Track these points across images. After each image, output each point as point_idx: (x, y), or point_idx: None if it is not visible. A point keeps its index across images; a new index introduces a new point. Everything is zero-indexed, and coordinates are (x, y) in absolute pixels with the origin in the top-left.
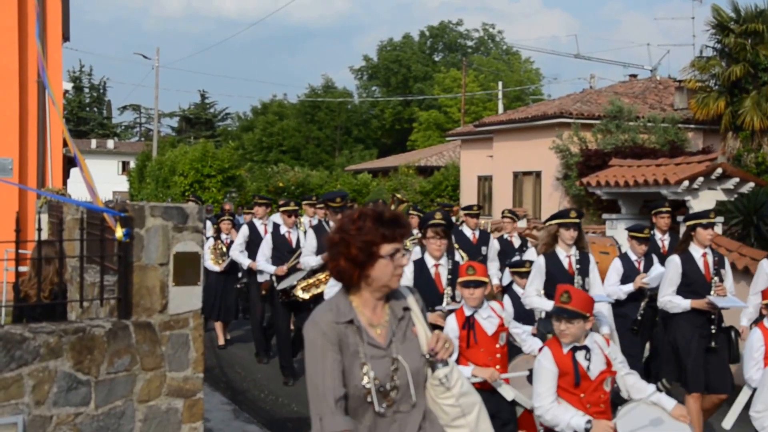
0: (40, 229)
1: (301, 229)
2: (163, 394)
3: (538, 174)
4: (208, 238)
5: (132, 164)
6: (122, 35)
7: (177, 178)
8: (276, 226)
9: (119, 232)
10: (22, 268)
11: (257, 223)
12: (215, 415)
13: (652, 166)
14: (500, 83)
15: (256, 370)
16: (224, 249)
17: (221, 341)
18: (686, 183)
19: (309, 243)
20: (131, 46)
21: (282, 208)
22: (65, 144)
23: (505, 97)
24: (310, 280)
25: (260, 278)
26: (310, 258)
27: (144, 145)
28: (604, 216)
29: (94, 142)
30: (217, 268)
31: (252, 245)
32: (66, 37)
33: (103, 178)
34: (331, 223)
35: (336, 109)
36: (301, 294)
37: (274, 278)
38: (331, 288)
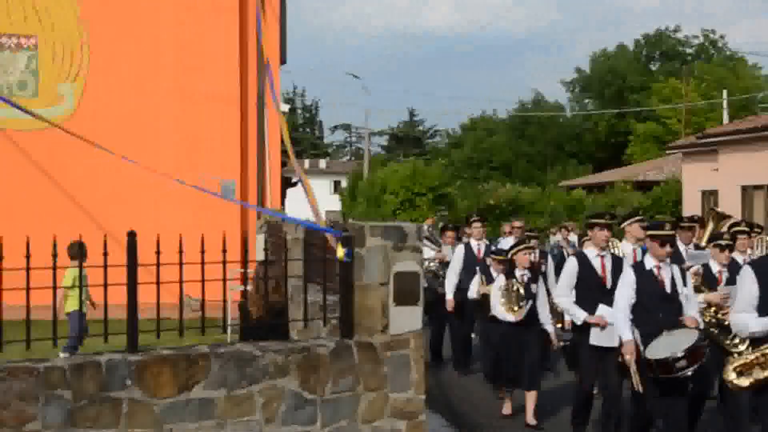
0: (267, 249)
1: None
2: (386, 415)
3: None
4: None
5: (344, 184)
6: (333, 55)
7: (388, 196)
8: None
9: (341, 252)
10: (240, 287)
11: (473, 244)
12: None
13: None
14: (724, 92)
15: (473, 390)
16: (521, 290)
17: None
18: None
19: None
20: (342, 65)
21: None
22: (283, 165)
23: (731, 107)
24: (750, 358)
25: (449, 294)
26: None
27: (355, 164)
28: None
29: (307, 163)
30: (511, 318)
31: (466, 269)
32: (283, 60)
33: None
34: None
35: (547, 123)
36: (735, 379)
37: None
38: None
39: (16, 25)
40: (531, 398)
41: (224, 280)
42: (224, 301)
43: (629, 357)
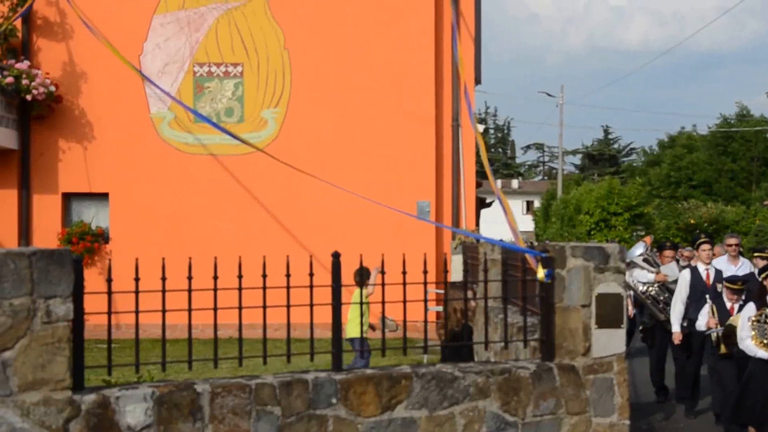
0: (467, 271)
1: None
2: None
3: None
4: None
5: (536, 203)
6: (525, 73)
7: (582, 216)
8: None
9: (541, 273)
10: (438, 308)
11: (701, 268)
12: None
13: None
14: None
15: (679, 419)
16: None
17: None
18: None
19: None
20: (534, 84)
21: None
22: (478, 185)
23: None
24: None
25: (675, 326)
26: None
27: (548, 183)
28: None
29: (499, 183)
30: (763, 354)
31: (693, 296)
32: (478, 80)
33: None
34: None
35: (752, 138)
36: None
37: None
38: None
39: (224, 54)
40: None
41: (425, 300)
42: (425, 321)
43: None
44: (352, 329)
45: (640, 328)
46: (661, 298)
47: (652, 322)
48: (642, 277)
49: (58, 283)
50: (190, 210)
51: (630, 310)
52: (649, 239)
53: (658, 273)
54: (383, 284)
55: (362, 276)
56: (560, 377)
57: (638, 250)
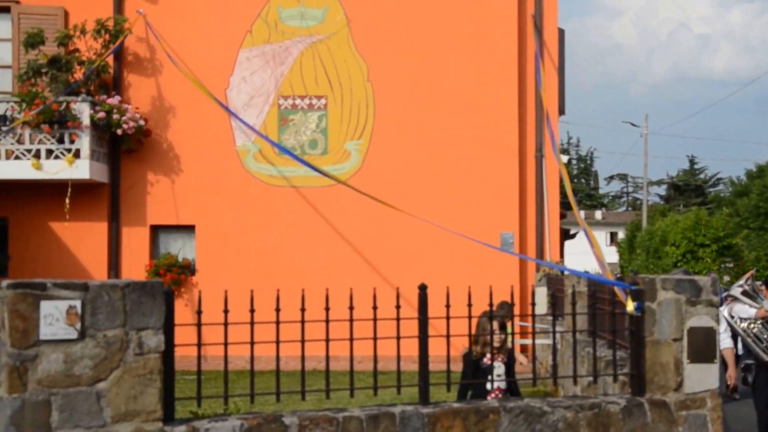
0: (554, 303)
1: None
2: None
3: None
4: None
5: (620, 235)
6: (608, 103)
7: (668, 248)
8: None
9: (630, 306)
10: (525, 341)
11: None
12: None
13: None
14: None
15: None
16: None
17: None
18: None
19: None
20: (617, 113)
21: None
22: (562, 216)
23: None
24: None
25: None
26: None
27: (632, 214)
28: None
29: (582, 213)
30: None
31: None
32: (561, 111)
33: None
34: None
35: None
36: None
37: None
38: None
39: (309, 86)
40: None
41: (512, 333)
42: (511, 352)
43: None
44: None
45: (742, 366)
46: (765, 336)
47: (759, 363)
48: (743, 313)
49: (150, 315)
50: (274, 242)
51: (728, 346)
52: (750, 273)
53: (760, 308)
54: (469, 317)
55: (510, 310)
56: (651, 413)
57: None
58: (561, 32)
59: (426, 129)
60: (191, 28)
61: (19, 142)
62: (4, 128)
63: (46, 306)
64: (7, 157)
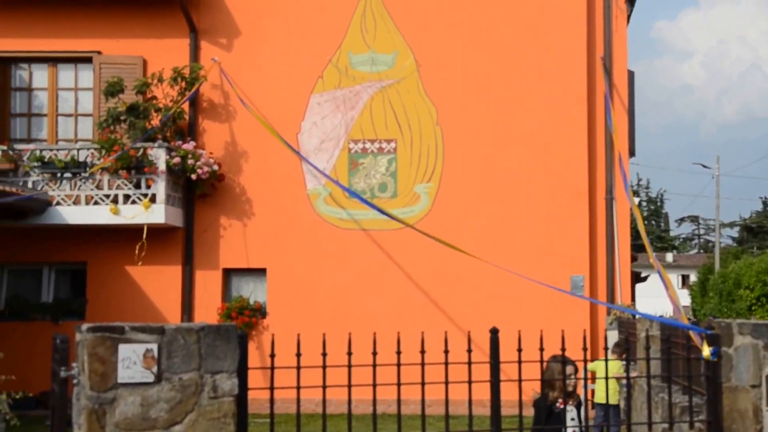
0: (628, 348)
1: None
2: None
3: None
4: None
5: (692, 277)
6: (678, 145)
7: (742, 291)
8: None
9: (707, 351)
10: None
11: None
12: None
13: None
14: None
15: None
16: None
17: None
18: None
19: None
20: (687, 155)
21: None
22: (633, 259)
23: None
24: None
25: None
26: None
27: (704, 257)
28: None
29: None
30: None
31: None
32: (632, 152)
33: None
34: None
35: None
36: None
37: None
38: None
39: (378, 130)
40: None
41: (585, 379)
42: (584, 398)
43: None
44: (612, 396)
45: None
46: None
47: None
48: None
49: (224, 358)
50: (345, 284)
51: None
52: None
53: None
54: (541, 361)
55: (627, 347)
56: None
57: None
58: (630, 74)
59: (495, 171)
60: (264, 75)
61: (98, 187)
62: (84, 174)
63: (124, 349)
64: (87, 203)
